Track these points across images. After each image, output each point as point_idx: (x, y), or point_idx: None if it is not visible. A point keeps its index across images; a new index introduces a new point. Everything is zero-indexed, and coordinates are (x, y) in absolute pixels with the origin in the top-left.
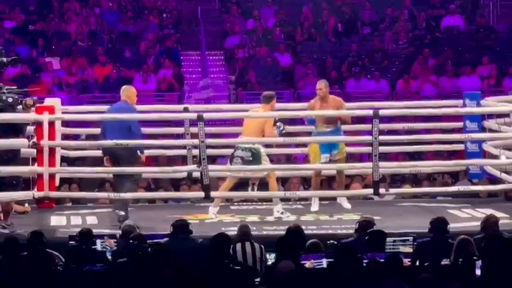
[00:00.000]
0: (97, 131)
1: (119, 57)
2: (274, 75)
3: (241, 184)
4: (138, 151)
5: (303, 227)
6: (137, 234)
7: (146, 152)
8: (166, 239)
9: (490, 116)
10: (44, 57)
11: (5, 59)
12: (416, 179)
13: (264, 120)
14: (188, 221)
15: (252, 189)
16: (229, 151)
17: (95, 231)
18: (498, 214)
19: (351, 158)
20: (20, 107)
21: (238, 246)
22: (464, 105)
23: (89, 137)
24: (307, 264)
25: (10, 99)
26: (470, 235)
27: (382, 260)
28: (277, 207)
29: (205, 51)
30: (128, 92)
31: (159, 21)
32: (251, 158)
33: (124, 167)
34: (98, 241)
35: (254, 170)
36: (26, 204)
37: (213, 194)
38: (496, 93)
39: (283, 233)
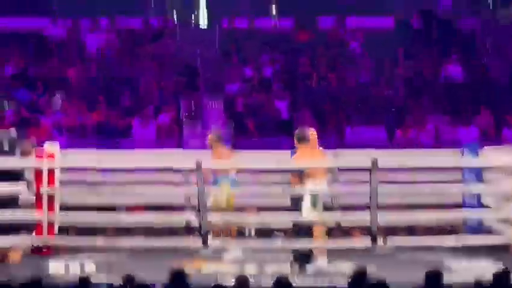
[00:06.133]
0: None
1: (117, 102)
2: (273, 123)
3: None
4: None
5: None
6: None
7: (144, 199)
8: None
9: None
10: (44, 97)
11: (5, 105)
12: (412, 228)
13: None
14: (186, 270)
15: (249, 235)
16: None
17: (93, 279)
18: (497, 266)
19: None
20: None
21: None
22: (463, 156)
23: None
24: None
25: (7, 146)
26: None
27: None
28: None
29: (204, 97)
30: None
31: (159, 67)
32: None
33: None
34: None
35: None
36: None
37: (210, 242)
38: (494, 143)
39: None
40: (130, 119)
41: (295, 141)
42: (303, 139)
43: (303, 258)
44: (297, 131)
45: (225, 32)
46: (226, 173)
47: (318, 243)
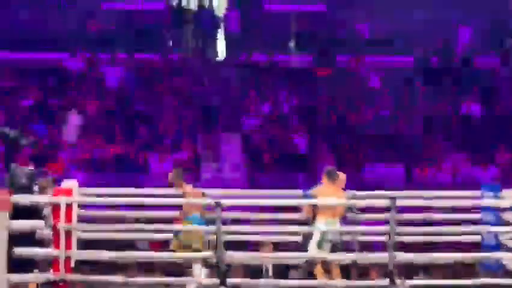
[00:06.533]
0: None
1: (135, 137)
2: (290, 158)
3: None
4: None
5: None
6: None
7: (160, 236)
8: None
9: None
10: (60, 133)
11: (24, 141)
12: (430, 267)
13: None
14: None
15: (267, 272)
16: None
17: None
18: None
19: (366, 248)
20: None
21: None
22: (482, 197)
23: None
24: None
25: (25, 180)
26: None
27: None
28: None
29: (221, 132)
30: None
31: (177, 102)
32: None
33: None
34: None
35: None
36: None
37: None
38: None
39: None
40: (148, 153)
41: (324, 176)
42: (332, 176)
43: None
44: (328, 167)
45: (242, 66)
46: (196, 211)
47: (320, 281)
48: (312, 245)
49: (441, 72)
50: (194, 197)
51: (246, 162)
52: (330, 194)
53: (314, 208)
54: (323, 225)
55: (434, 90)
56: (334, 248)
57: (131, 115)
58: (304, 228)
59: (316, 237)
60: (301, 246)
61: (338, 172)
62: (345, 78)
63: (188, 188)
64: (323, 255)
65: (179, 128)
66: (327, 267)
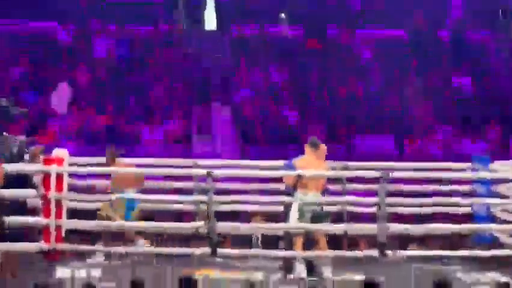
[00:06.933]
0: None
1: (126, 108)
2: (281, 132)
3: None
4: None
5: None
6: None
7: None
8: None
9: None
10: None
11: (14, 111)
12: (423, 238)
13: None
14: (195, 277)
15: (256, 242)
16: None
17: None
18: (505, 278)
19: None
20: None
21: None
22: (473, 169)
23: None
24: None
25: (16, 149)
26: None
27: None
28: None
29: (212, 104)
30: None
31: (168, 74)
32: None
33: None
34: None
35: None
36: None
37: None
38: (502, 157)
39: None
40: (139, 124)
41: (307, 146)
42: (315, 145)
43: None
44: (311, 138)
45: (235, 38)
46: (129, 186)
47: (298, 252)
48: (292, 215)
49: (432, 46)
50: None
51: (236, 134)
52: (311, 164)
53: (296, 178)
54: (302, 195)
55: (425, 64)
56: (315, 219)
57: (122, 86)
58: (286, 199)
59: (295, 208)
60: (284, 217)
61: (319, 142)
62: (336, 51)
63: (122, 163)
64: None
65: (170, 100)
66: (312, 237)
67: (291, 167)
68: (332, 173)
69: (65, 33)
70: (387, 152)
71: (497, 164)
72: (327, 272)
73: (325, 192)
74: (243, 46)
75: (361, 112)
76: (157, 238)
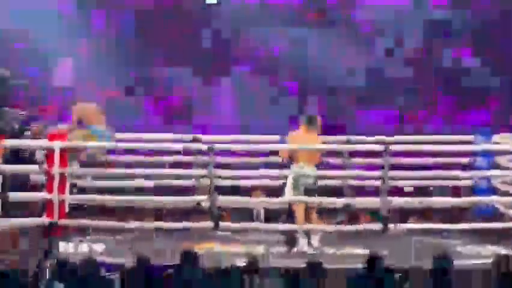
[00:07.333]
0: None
1: (126, 81)
2: (283, 104)
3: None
4: None
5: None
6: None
7: (154, 182)
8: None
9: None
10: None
11: (13, 82)
12: (423, 211)
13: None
14: (197, 251)
15: (257, 217)
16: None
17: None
18: (506, 251)
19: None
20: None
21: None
22: (475, 142)
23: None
24: None
25: (16, 126)
26: (476, 273)
27: None
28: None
29: (213, 77)
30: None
31: (168, 45)
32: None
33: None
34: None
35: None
36: None
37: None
38: (504, 130)
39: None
40: (139, 97)
41: (303, 121)
42: (310, 122)
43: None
44: (308, 114)
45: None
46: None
47: (300, 225)
48: (287, 189)
49: (436, 15)
50: (93, 116)
51: (237, 106)
52: (305, 139)
53: (291, 152)
54: (296, 169)
55: (428, 35)
56: (307, 192)
57: (122, 59)
58: (282, 172)
59: (289, 181)
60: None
61: (316, 118)
62: (337, 22)
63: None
64: (300, 198)
65: (171, 72)
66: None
67: (285, 141)
68: (325, 147)
69: (65, 6)
70: (388, 124)
71: (497, 136)
72: (315, 242)
73: (320, 165)
74: (243, 16)
75: (362, 83)
76: (157, 212)
